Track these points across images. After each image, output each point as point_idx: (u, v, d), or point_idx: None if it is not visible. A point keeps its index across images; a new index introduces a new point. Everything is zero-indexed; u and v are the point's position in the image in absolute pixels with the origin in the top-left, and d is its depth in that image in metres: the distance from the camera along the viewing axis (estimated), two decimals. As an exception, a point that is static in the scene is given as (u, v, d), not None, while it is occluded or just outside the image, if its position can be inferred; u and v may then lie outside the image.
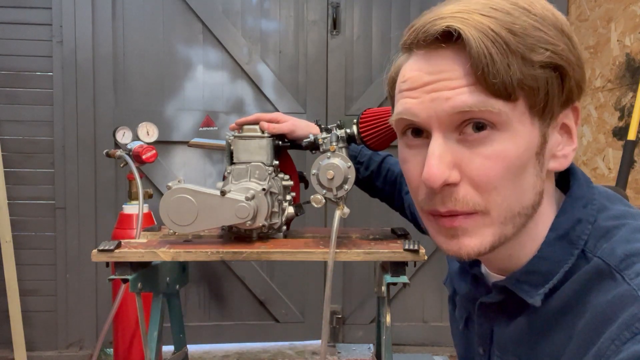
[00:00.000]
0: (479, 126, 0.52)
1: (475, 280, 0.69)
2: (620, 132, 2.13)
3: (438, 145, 0.53)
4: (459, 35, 0.50)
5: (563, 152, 0.57)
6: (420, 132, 0.56)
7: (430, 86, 0.53)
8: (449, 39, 0.51)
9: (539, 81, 0.51)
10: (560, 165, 0.57)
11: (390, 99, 0.62)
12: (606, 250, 0.53)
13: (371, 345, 2.62)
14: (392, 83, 0.60)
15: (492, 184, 0.52)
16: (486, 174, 0.52)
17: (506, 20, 0.50)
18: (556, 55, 0.51)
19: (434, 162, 0.52)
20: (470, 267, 0.69)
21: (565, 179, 0.62)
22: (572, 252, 0.56)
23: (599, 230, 0.56)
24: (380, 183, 1.21)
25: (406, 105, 0.55)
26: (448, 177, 0.52)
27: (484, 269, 0.67)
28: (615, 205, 0.58)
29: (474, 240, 0.54)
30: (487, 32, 0.49)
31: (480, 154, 0.52)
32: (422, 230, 1.05)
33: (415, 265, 1.38)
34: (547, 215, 0.59)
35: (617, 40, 2.15)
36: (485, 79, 0.50)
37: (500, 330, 0.64)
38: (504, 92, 0.50)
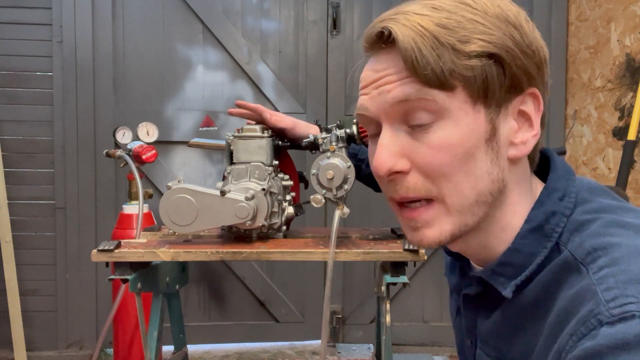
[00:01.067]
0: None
1: (462, 272, 0.70)
2: (620, 132, 2.13)
3: (385, 136, 0.57)
4: (390, 34, 0.55)
5: (522, 139, 0.58)
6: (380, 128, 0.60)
7: (376, 83, 0.58)
8: (387, 39, 0.56)
9: (474, 70, 0.53)
10: (520, 152, 0.58)
11: None
12: (575, 243, 0.54)
13: (371, 345, 2.63)
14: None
15: (440, 172, 0.55)
16: (432, 162, 0.55)
17: (439, 17, 0.54)
18: (490, 44, 0.54)
19: (380, 151, 0.56)
20: (457, 260, 0.69)
21: (546, 171, 0.62)
22: (545, 244, 0.56)
23: (574, 224, 0.56)
24: None
25: (360, 102, 0.60)
26: (393, 165, 0.56)
27: (471, 262, 0.67)
28: (596, 198, 0.58)
29: (433, 231, 0.57)
30: (415, 28, 0.53)
31: (425, 143, 0.55)
32: None
33: (415, 265, 1.38)
34: (519, 206, 0.59)
35: (617, 40, 2.15)
36: (416, 70, 0.53)
37: (481, 322, 0.65)
38: (437, 82, 0.53)
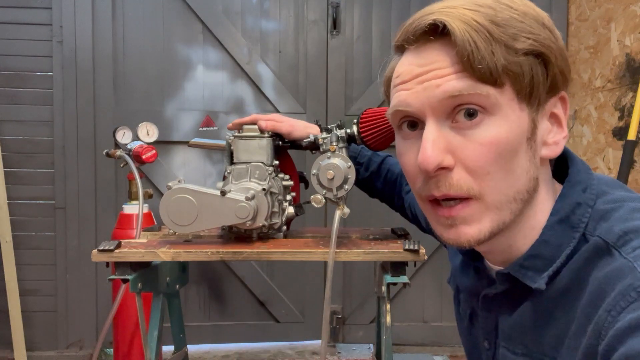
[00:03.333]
0: (471, 113, 0.54)
1: (477, 273, 0.69)
2: (620, 132, 2.13)
3: (432, 131, 0.55)
4: (445, 27, 0.54)
5: (554, 140, 0.59)
6: (415, 125, 0.59)
7: (421, 77, 0.56)
8: (436, 31, 0.55)
9: (523, 67, 0.54)
10: (552, 152, 0.59)
11: (387, 97, 0.65)
12: (604, 229, 0.55)
13: (371, 345, 2.63)
14: (388, 82, 0.63)
15: (485, 169, 0.54)
16: (479, 159, 0.54)
17: (489, 13, 0.54)
18: (538, 43, 0.54)
19: (428, 146, 0.55)
20: (472, 260, 0.69)
21: (563, 169, 0.63)
22: (573, 235, 0.57)
23: (598, 213, 0.57)
24: (381, 184, 1.21)
25: (400, 98, 0.58)
26: (442, 160, 0.54)
27: (486, 262, 0.67)
28: (614, 191, 0.59)
29: (472, 228, 0.56)
30: (471, 22, 0.53)
31: (473, 140, 0.55)
32: (424, 230, 1.06)
33: (415, 265, 1.38)
34: (544, 204, 0.60)
35: (617, 40, 2.15)
36: (472, 65, 0.53)
37: (504, 320, 0.64)
38: (490, 78, 0.53)
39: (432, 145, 0.54)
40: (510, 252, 0.61)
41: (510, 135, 0.54)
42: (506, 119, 0.54)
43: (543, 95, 0.56)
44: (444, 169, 0.55)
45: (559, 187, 0.62)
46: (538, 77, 0.55)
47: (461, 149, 0.55)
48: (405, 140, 0.60)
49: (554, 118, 0.59)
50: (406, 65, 0.58)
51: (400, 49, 0.60)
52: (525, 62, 0.54)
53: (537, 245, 0.59)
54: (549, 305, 0.58)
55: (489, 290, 0.65)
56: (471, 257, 0.70)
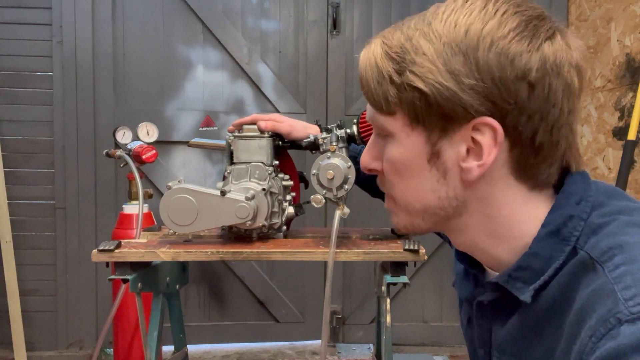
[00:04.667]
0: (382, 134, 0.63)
1: (475, 280, 0.69)
2: (620, 132, 2.13)
3: (370, 141, 0.67)
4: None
5: (466, 166, 0.57)
6: None
7: None
8: None
9: (405, 99, 0.58)
10: (466, 176, 0.58)
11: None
12: (592, 243, 0.54)
13: (371, 345, 2.62)
14: None
15: (389, 179, 0.64)
16: (386, 170, 0.64)
17: (392, 45, 0.58)
18: (418, 79, 0.56)
19: (364, 152, 0.67)
20: (470, 268, 0.69)
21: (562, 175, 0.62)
22: (563, 248, 0.56)
23: (591, 227, 0.56)
24: None
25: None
26: (368, 164, 0.66)
27: (487, 271, 0.67)
28: (612, 201, 0.58)
29: (395, 218, 0.67)
30: (369, 59, 0.60)
31: (384, 154, 0.64)
32: None
33: (415, 265, 1.38)
34: (528, 214, 0.59)
35: (617, 40, 2.15)
36: (368, 97, 0.61)
37: (497, 331, 0.64)
38: (380, 108, 0.60)
39: (365, 152, 0.67)
40: (496, 261, 0.62)
41: (403, 156, 0.61)
42: (400, 142, 0.60)
43: (440, 123, 0.56)
44: (374, 170, 0.66)
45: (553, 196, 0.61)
46: (421, 108, 0.57)
47: (381, 158, 0.65)
48: None
49: (475, 144, 0.56)
50: None
51: None
52: (407, 95, 0.57)
53: (526, 256, 0.58)
54: (538, 319, 0.57)
55: (481, 298, 0.66)
56: (469, 265, 0.70)
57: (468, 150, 0.57)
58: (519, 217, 0.59)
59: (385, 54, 0.58)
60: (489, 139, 0.56)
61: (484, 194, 0.60)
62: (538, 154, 0.57)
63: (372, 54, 0.60)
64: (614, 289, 0.47)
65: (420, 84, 0.56)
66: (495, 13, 0.55)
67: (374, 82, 0.59)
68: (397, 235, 1.29)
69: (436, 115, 0.57)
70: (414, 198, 0.62)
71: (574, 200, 0.58)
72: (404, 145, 0.60)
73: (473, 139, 0.56)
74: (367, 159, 0.67)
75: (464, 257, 0.70)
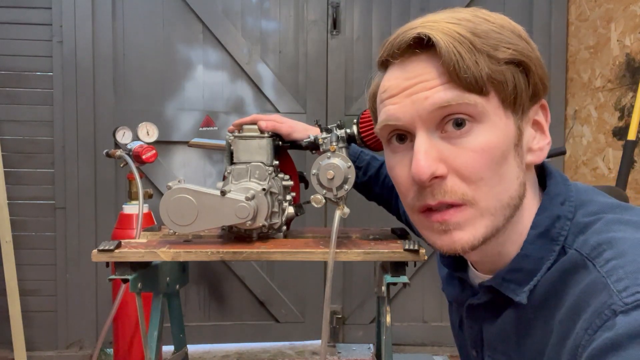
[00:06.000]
0: (459, 122, 0.56)
1: (461, 283, 0.70)
2: (620, 132, 2.13)
3: (423, 142, 0.56)
4: (429, 40, 0.55)
5: (539, 146, 0.60)
6: (404, 138, 0.60)
7: (408, 90, 0.57)
8: (421, 45, 0.56)
9: (506, 75, 0.55)
10: (537, 158, 0.60)
11: (373, 113, 0.67)
12: (580, 242, 0.55)
13: (371, 345, 2.63)
14: (374, 97, 0.65)
15: (478, 175, 0.55)
16: (472, 165, 0.55)
17: (469, 26, 0.56)
18: (517, 53, 0.56)
19: (421, 157, 0.55)
20: (455, 271, 0.70)
21: (541, 181, 0.64)
22: (553, 248, 0.57)
23: (577, 226, 0.57)
24: (379, 188, 1.21)
25: (389, 112, 0.59)
26: (435, 169, 0.55)
27: (471, 272, 0.67)
28: (594, 198, 0.60)
29: (466, 234, 0.57)
30: (453, 34, 0.55)
31: (464, 147, 0.56)
32: (419, 234, 1.06)
33: (415, 265, 1.38)
34: (529, 210, 0.61)
35: (617, 40, 2.15)
36: (458, 75, 0.54)
37: (488, 329, 0.65)
38: (476, 86, 0.54)
39: (425, 155, 0.55)
40: (498, 259, 0.62)
41: (500, 141, 0.56)
42: (494, 126, 0.56)
43: (526, 103, 0.58)
44: (437, 178, 0.56)
45: (540, 194, 0.63)
46: (520, 85, 0.57)
47: (453, 157, 0.56)
48: (394, 153, 0.61)
49: (536, 125, 0.61)
50: (392, 79, 0.59)
51: (385, 65, 0.62)
52: (508, 71, 0.55)
53: (518, 259, 0.59)
54: (529, 317, 0.59)
55: (472, 300, 0.66)
56: (454, 268, 0.70)
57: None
58: (530, 210, 0.61)
59: (472, 32, 0.55)
60: (544, 118, 0.61)
61: (533, 180, 0.62)
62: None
63: (454, 32, 0.55)
64: (607, 282, 0.48)
65: (522, 58, 0.56)
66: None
67: (470, 59, 0.54)
68: (397, 235, 1.29)
69: (527, 92, 0.58)
70: (503, 189, 0.56)
71: (559, 201, 0.59)
72: (499, 129, 0.56)
73: (534, 120, 0.60)
74: (430, 163, 0.55)
75: (448, 261, 0.70)
